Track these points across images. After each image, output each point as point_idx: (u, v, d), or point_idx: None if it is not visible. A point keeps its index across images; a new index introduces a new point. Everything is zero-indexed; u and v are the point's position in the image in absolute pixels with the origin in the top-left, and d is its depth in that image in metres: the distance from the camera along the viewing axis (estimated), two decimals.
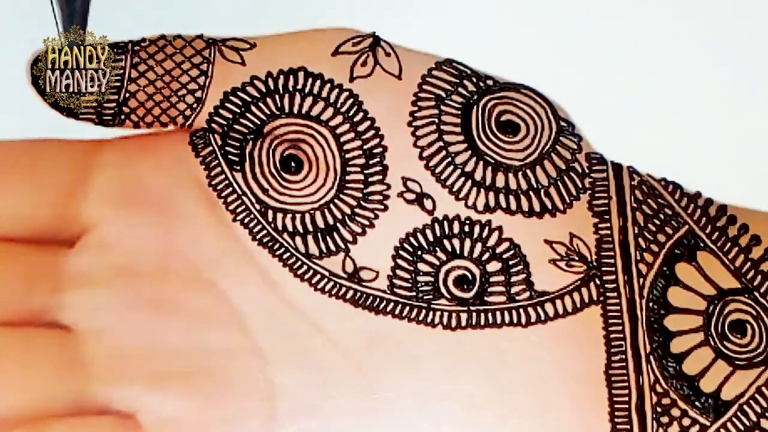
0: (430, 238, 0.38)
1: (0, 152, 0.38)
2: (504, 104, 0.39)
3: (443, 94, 0.39)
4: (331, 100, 0.39)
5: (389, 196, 0.38)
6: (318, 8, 0.40)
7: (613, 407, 0.37)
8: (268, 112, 0.39)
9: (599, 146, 0.40)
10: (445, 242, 0.38)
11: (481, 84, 0.39)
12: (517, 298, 0.38)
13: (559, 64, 0.40)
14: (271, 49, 0.39)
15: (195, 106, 0.39)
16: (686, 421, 0.37)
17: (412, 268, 0.38)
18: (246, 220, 0.38)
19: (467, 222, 0.38)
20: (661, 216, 0.39)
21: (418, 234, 0.38)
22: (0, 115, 0.39)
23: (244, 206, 0.38)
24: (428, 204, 0.38)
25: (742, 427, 0.37)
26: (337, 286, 0.38)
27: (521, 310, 0.37)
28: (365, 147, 0.39)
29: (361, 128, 0.39)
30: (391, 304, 0.37)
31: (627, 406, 0.37)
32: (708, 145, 0.39)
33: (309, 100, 0.39)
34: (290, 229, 0.38)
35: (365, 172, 0.39)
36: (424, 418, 0.37)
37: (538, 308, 0.38)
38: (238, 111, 0.39)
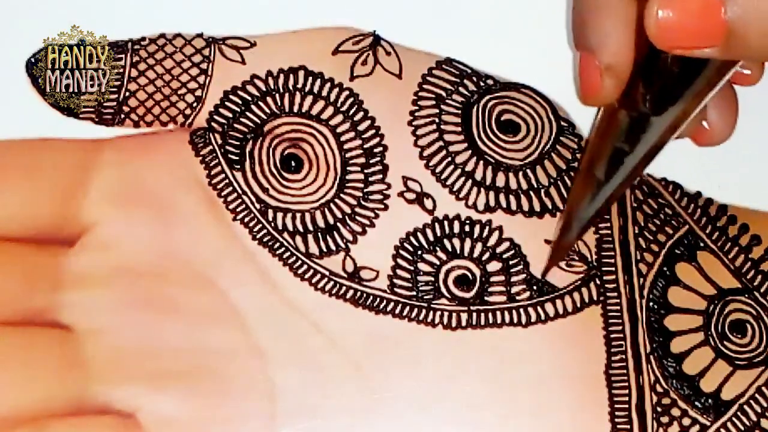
0: (431, 237, 0.38)
1: (0, 152, 0.38)
2: (504, 104, 0.39)
3: (444, 93, 0.39)
4: (332, 99, 0.39)
5: (389, 195, 0.38)
6: (318, 8, 0.40)
7: (613, 407, 0.37)
8: (269, 111, 0.39)
9: None
10: (446, 242, 0.38)
11: (482, 83, 0.39)
12: (517, 298, 0.38)
13: (559, 64, 0.40)
14: (271, 48, 0.39)
15: (195, 104, 0.39)
16: (686, 421, 0.37)
17: (412, 268, 0.38)
18: (246, 220, 0.38)
19: (467, 222, 0.38)
20: (661, 216, 0.39)
21: (419, 234, 0.38)
22: (0, 115, 0.39)
23: (244, 205, 0.38)
24: (428, 203, 0.38)
25: (742, 427, 0.37)
26: (338, 285, 0.38)
27: (521, 310, 0.38)
28: (365, 146, 0.39)
29: (361, 127, 0.39)
30: (392, 304, 0.37)
31: (627, 406, 0.37)
32: None
33: (309, 99, 0.39)
34: (290, 228, 0.38)
35: (365, 171, 0.39)
36: (424, 418, 0.37)
37: (538, 308, 0.38)
38: (238, 110, 0.39)
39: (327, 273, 0.38)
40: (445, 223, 0.38)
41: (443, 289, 0.38)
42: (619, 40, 0.35)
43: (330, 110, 0.39)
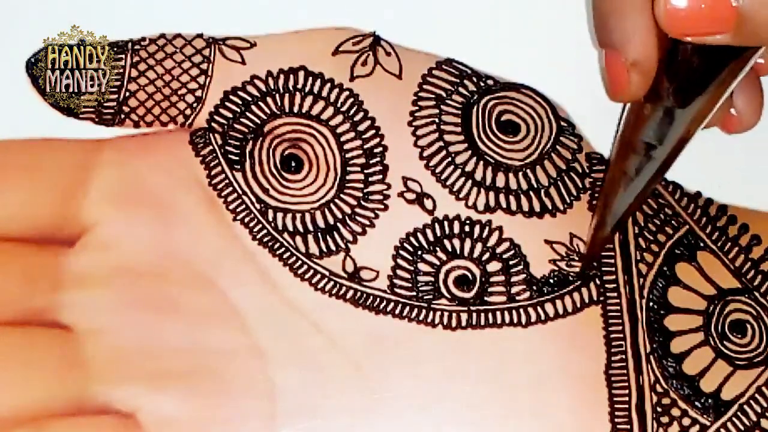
0: (431, 238, 0.38)
1: (0, 152, 0.38)
2: (504, 104, 0.39)
3: (444, 93, 0.39)
4: (332, 100, 0.39)
5: (389, 195, 0.38)
6: (318, 8, 0.40)
7: (613, 407, 0.37)
8: (269, 112, 0.39)
9: (599, 146, 0.40)
10: (446, 242, 0.38)
11: (482, 84, 0.39)
12: (517, 298, 0.38)
13: (559, 64, 0.40)
14: (271, 48, 0.39)
15: (195, 105, 0.39)
16: (686, 421, 0.37)
17: (412, 268, 0.38)
18: (246, 220, 0.38)
19: (467, 222, 0.38)
20: (661, 216, 0.39)
21: (419, 234, 0.38)
22: (0, 115, 0.39)
23: (244, 206, 0.38)
24: (428, 204, 0.38)
25: (742, 427, 0.37)
26: (338, 285, 0.38)
27: (521, 310, 0.38)
28: (365, 146, 0.39)
29: (361, 128, 0.39)
30: (392, 304, 0.37)
31: (627, 406, 0.37)
32: (708, 145, 0.39)
33: (309, 100, 0.39)
34: (290, 228, 0.38)
35: (365, 171, 0.39)
36: (424, 418, 0.37)
37: (538, 308, 0.38)
38: (239, 110, 0.39)
39: (327, 273, 0.38)
40: (445, 223, 0.38)
41: (443, 290, 0.38)
42: (642, 35, 0.35)
43: (330, 110, 0.39)
